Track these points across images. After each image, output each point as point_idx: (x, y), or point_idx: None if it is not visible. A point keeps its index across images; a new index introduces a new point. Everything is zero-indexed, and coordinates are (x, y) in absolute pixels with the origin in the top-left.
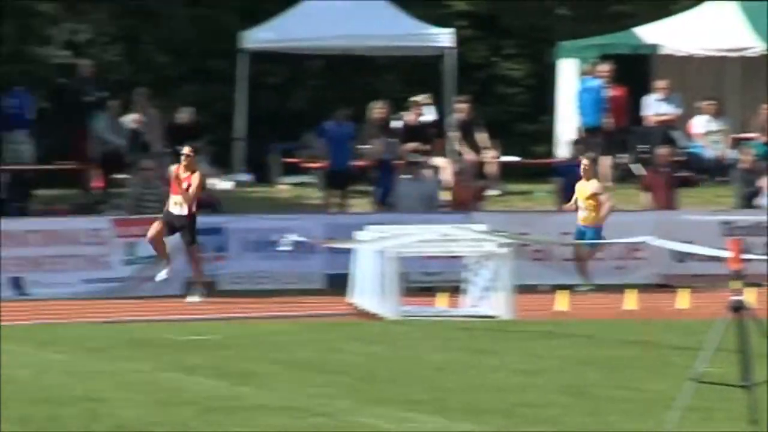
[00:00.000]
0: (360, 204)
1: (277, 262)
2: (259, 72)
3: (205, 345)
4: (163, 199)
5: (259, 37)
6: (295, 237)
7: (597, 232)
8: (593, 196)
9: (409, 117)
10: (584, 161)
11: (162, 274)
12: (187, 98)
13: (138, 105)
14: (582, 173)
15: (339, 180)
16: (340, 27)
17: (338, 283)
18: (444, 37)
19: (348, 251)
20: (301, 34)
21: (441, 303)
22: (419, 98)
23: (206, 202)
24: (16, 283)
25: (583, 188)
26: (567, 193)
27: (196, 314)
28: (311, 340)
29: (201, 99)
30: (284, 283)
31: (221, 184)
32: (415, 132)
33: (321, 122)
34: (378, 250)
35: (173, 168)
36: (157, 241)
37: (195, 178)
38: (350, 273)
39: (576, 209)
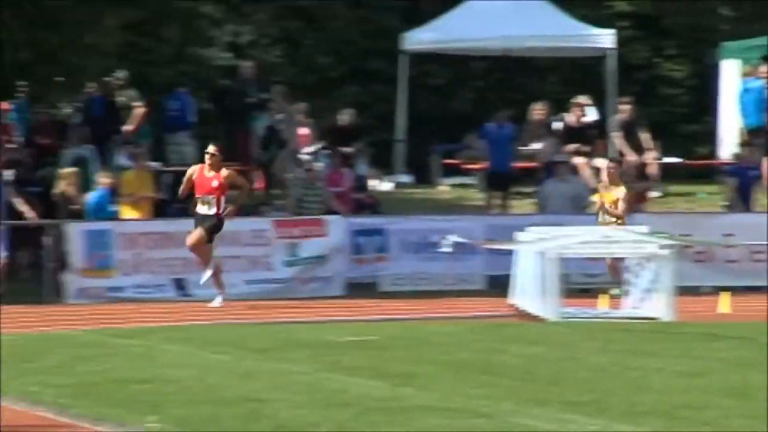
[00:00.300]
0: (521, 205)
1: (438, 264)
2: (420, 73)
3: (365, 346)
4: (326, 200)
5: (420, 38)
6: (455, 238)
7: None
8: (618, 200)
9: (570, 118)
10: (609, 165)
11: (205, 277)
12: (347, 99)
13: (277, 103)
14: (606, 177)
15: (500, 181)
16: (501, 28)
17: (499, 285)
18: (605, 38)
19: (509, 252)
20: (462, 35)
21: (602, 304)
22: (581, 99)
23: (366, 203)
24: (179, 284)
25: (609, 193)
26: (741, 194)
27: (357, 315)
28: (471, 341)
29: (362, 100)
30: (444, 284)
31: (382, 185)
32: (576, 133)
33: (482, 123)
34: (539, 252)
35: (191, 169)
36: (197, 248)
37: (224, 173)
38: (511, 274)
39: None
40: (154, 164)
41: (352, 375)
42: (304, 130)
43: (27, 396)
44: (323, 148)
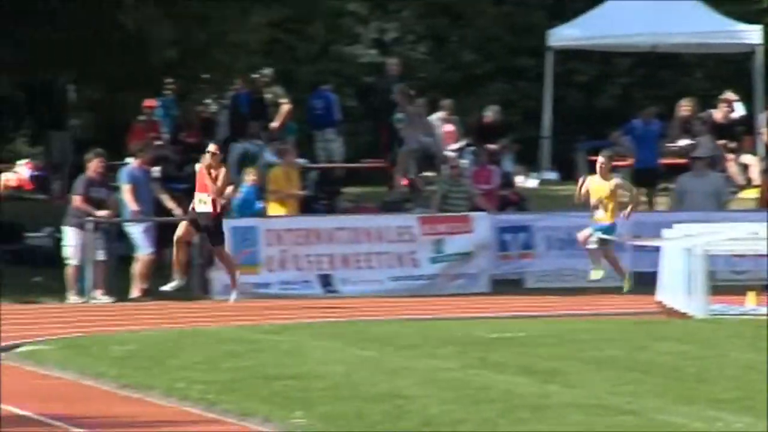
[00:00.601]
0: (667, 202)
1: (584, 260)
2: (565, 70)
3: (511, 342)
4: (471, 197)
5: (566, 34)
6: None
7: (613, 228)
8: (612, 193)
9: (717, 114)
10: (600, 158)
11: (171, 285)
12: (493, 96)
13: (398, 101)
14: (598, 171)
15: (646, 178)
16: (647, 24)
17: (646, 281)
18: (753, 34)
19: (655, 249)
20: (608, 32)
21: (750, 301)
22: (728, 95)
23: (511, 200)
24: (325, 281)
25: (601, 187)
26: None
27: (503, 312)
28: (618, 338)
29: (507, 97)
30: (590, 281)
31: (527, 182)
32: (723, 129)
33: (627, 120)
34: (685, 248)
35: (198, 166)
36: (180, 244)
37: (222, 173)
38: (658, 271)
39: (588, 205)
40: (301, 161)
41: (498, 371)
42: (449, 127)
43: (174, 392)
44: (468, 145)
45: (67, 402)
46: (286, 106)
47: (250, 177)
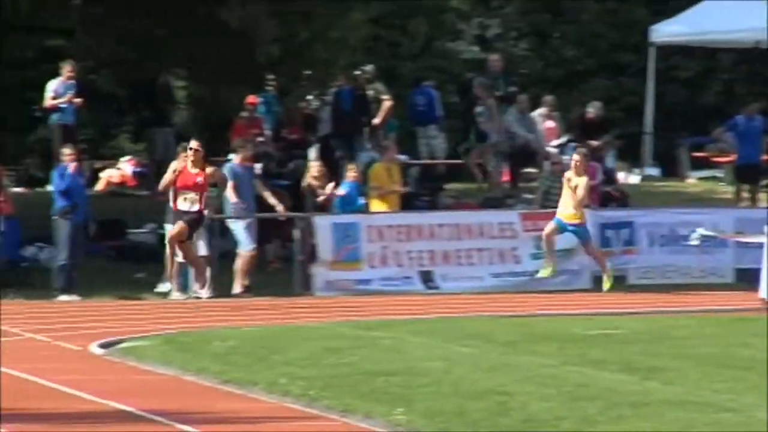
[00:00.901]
0: None
1: (686, 256)
2: (668, 65)
3: (612, 339)
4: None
5: (669, 30)
6: (704, 231)
7: (585, 228)
8: (584, 192)
9: None
10: (575, 156)
11: (163, 287)
12: (595, 92)
13: (478, 95)
14: (573, 168)
15: (749, 174)
16: (750, 20)
17: (748, 278)
18: None
19: (759, 245)
20: (710, 28)
21: None
22: None
23: (614, 196)
24: (426, 277)
25: (575, 185)
26: None
27: (605, 308)
28: (718, 335)
29: (610, 93)
30: (693, 277)
31: (629, 178)
32: None
33: (730, 116)
34: None
35: (178, 164)
36: (174, 244)
37: (208, 170)
38: (761, 267)
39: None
40: (402, 157)
41: (598, 368)
42: (550, 124)
43: (276, 388)
44: (570, 141)
45: (169, 398)
46: (387, 103)
47: (351, 173)
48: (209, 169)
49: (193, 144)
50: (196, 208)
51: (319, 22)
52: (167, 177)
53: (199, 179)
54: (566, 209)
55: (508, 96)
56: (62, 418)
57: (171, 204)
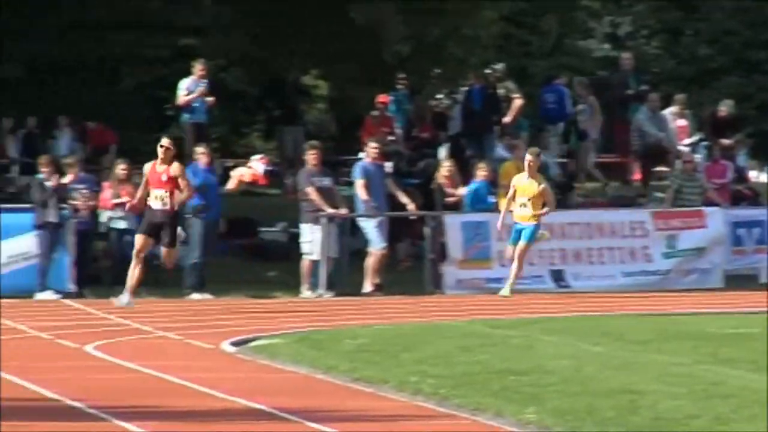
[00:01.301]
0: None
1: None
2: None
3: (744, 338)
4: (704, 191)
5: None
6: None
7: (536, 228)
8: (539, 195)
9: None
10: (528, 156)
11: (122, 299)
12: (728, 90)
13: (579, 93)
14: (526, 169)
15: None
16: None
17: None
18: None
19: None
20: None
21: None
22: None
23: (745, 195)
24: (557, 276)
25: (528, 186)
26: None
27: (737, 307)
28: None
29: (742, 91)
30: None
31: (761, 176)
32: None
33: None
34: None
35: (149, 164)
36: (139, 258)
37: (175, 169)
38: None
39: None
40: None
41: (730, 367)
42: (681, 122)
43: (407, 386)
44: (702, 140)
45: (299, 396)
46: (518, 101)
47: (481, 172)
48: (175, 166)
49: (165, 142)
50: (167, 207)
51: (450, 20)
52: (140, 189)
53: (164, 177)
54: (520, 210)
55: (639, 94)
56: (194, 416)
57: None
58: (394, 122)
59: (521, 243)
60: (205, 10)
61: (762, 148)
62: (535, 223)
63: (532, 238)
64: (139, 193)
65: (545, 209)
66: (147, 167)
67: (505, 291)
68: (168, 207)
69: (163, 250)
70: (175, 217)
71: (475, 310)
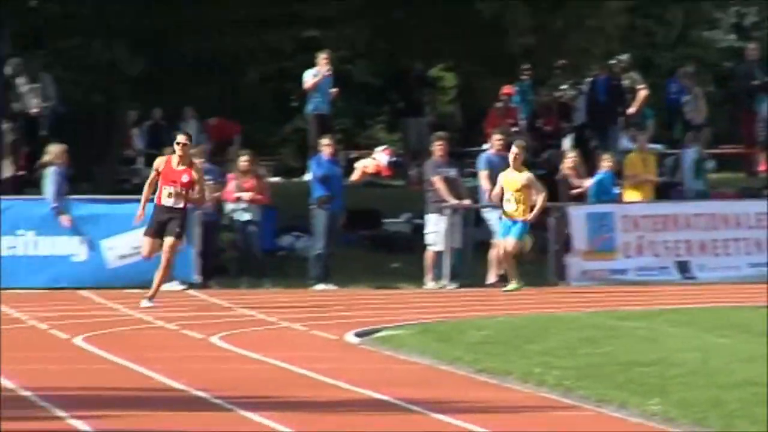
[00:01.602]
0: None
1: None
2: None
3: None
4: None
5: None
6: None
7: (525, 226)
8: (524, 187)
9: None
10: (514, 149)
11: (145, 302)
12: None
13: (685, 84)
14: (511, 162)
15: None
16: None
17: None
18: None
19: None
20: None
21: None
22: None
23: None
24: (683, 267)
25: (513, 179)
26: None
27: None
28: None
29: None
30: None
31: None
32: None
33: None
34: None
35: (163, 159)
36: (173, 254)
37: (196, 174)
38: None
39: (501, 200)
40: (656, 146)
41: None
42: None
43: (530, 377)
44: None
45: (423, 387)
46: (643, 92)
47: (606, 163)
48: (197, 168)
49: (181, 138)
50: (180, 204)
51: (574, 11)
52: (150, 180)
53: (185, 177)
54: (507, 205)
55: (765, 85)
56: (318, 407)
57: (155, 199)
58: (518, 113)
59: (510, 239)
60: (331, 2)
61: None
62: (524, 220)
63: (522, 236)
64: (146, 190)
65: (538, 206)
66: (159, 162)
67: (511, 286)
68: (182, 205)
69: (167, 240)
70: (185, 211)
71: (599, 301)
